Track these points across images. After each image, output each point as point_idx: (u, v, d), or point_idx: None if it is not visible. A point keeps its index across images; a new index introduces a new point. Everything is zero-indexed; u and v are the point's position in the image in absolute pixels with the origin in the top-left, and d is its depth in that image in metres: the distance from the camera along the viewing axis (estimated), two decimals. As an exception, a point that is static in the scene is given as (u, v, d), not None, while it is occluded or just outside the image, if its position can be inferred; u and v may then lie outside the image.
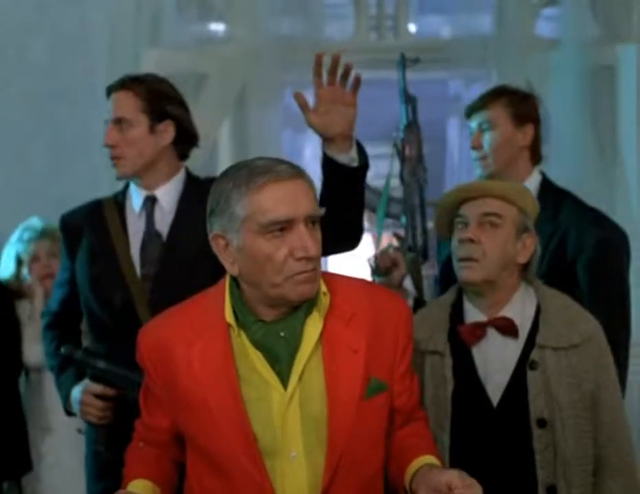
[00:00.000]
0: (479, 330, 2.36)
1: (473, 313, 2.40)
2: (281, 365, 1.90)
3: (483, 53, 4.37)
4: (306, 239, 1.84)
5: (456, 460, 2.29)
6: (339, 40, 4.54)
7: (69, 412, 2.76)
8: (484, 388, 2.34)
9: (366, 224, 2.59)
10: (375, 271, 2.89)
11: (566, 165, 4.28)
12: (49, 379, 3.37)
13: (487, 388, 2.34)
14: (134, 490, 1.96)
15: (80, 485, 3.29)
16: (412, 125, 2.90)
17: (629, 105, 4.30)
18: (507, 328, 2.35)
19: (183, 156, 2.76)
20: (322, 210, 1.92)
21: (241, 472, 1.89)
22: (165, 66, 4.02)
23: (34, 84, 4.10)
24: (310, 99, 2.40)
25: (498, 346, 2.36)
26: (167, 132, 2.68)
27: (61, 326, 2.83)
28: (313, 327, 1.91)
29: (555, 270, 2.55)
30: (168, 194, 2.71)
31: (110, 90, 2.70)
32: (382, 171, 2.97)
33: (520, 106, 2.96)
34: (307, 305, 1.91)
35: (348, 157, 2.39)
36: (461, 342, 2.38)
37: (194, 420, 1.94)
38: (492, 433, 2.32)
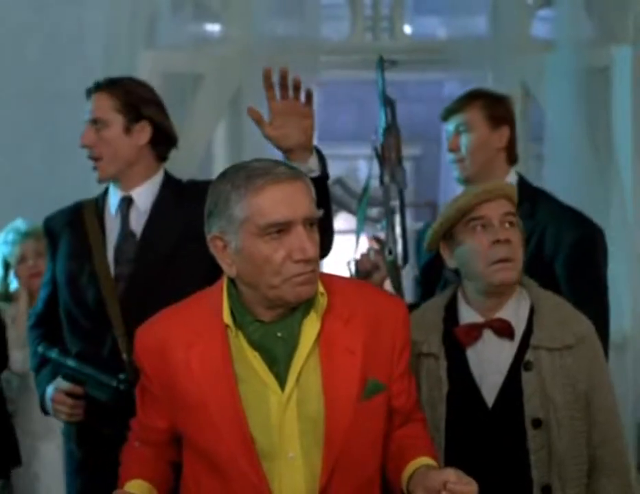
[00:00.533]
0: (475, 331, 2.36)
1: (469, 315, 2.40)
2: (279, 366, 1.90)
3: (479, 54, 4.37)
4: (304, 240, 1.84)
5: (452, 461, 2.27)
6: (335, 41, 4.55)
7: (45, 411, 2.78)
8: (479, 389, 2.34)
9: (347, 227, 2.60)
10: (356, 274, 2.90)
11: (561, 166, 4.29)
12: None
13: (481, 389, 2.34)
14: (131, 490, 1.96)
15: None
16: (391, 128, 2.89)
17: (624, 106, 4.31)
18: (504, 330, 2.36)
19: (162, 157, 2.78)
20: (320, 212, 1.92)
21: (238, 473, 1.90)
22: (161, 66, 4.04)
23: (31, 84, 4.10)
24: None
25: (494, 347, 2.36)
26: (144, 132, 2.71)
27: (44, 325, 2.84)
28: (311, 328, 1.92)
29: (533, 269, 2.56)
30: (144, 195, 2.73)
31: (89, 93, 2.74)
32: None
33: (496, 108, 2.98)
34: (304, 306, 1.91)
35: (306, 167, 2.39)
36: (456, 344, 2.38)
37: (192, 421, 1.94)
38: (486, 434, 2.33)
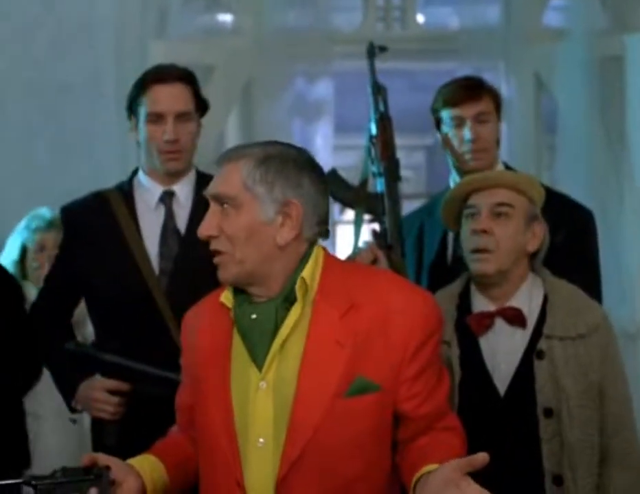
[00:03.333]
0: (487, 320, 2.36)
1: (481, 303, 2.40)
2: (256, 348, 1.89)
3: (491, 43, 4.36)
4: (205, 218, 1.92)
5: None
6: (346, 31, 4.54)
7: (74, 409, 2.74)
8: (491, 378, 2.34)
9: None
10: None
11: (574, 156, 4.28)
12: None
13: (493, 378, 2.34)
14: (131, 461, 1.94)
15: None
16: (383, 118, 2.77)
17: (637, 95, 4.29)
18: (516, 318, 2.35)
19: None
20: (234, 195, 1.88)
21: (219, 455, 1.90)
22: (172, 58, 4.00)
23: (40, 77, 4.08)
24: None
25: (506, 336, 2.36)
26: (200, 124, 2.72)
27: (54, 320, 2.80)
28: (293, 313, 1.88)
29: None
30: (185, 189, 2.73)
31: (159, 80, 2.65)
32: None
33: (500, 99, 2.97)
34: (286, 291, 1.88)
35: None
36: (469, 332, 2.38)
37: (197, 401, 1.97)
38: (498, 423, 2.33)
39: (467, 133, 2.89)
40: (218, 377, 1.92)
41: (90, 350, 2.63)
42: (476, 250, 2.33)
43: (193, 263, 2.59)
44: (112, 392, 2.59)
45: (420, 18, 4.79)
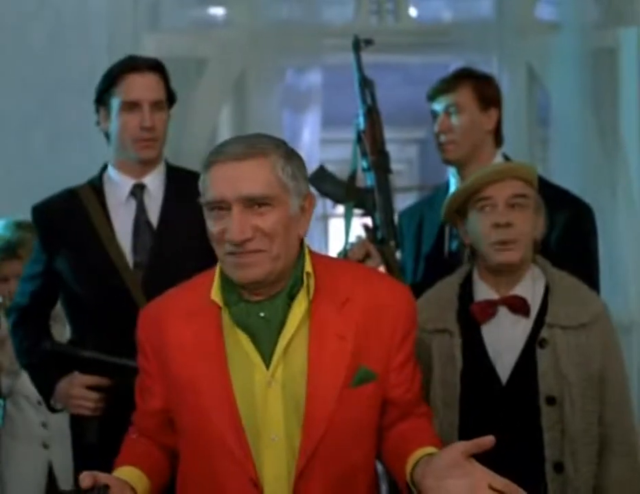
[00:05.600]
0: (491, 308, 2.39)
1: (484, 292, 2.42)
2: (265, 346, 1.90)
3: (484, 36, 4.34)
4: (235, 222, 1.84)
5: (466, 439, 2.30)
6: (339, 24, 4.53)
7: (53, 409, 2.73)
8: (493, 366, 2.36)
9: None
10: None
11: (567, 149, 4.28)
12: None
13: (496, 366, 2.36)
14: (121, 475, 1.93)
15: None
16: (372, 111, 2.78)
17: (630, 88, 4.29)
18: (520, 306, 2.38)
19: None
20: (272, 193, 1.86)
21: (225, 453, 1.90)
22: (164, 50, 4.01)
23: (34, 71, 4.07)
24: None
25: (509, 324, 2.38)
26: (169, 115, 2.72)
27: (31, 321, 2.78)
28: (297, 308, 1.91)
29: None
30: (155, 182, 2.73)
31: (132, 69, 2.67)
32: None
33: (485, 89, 2.96)
34: (289, 286, 1.91)
35: None
36: (471, 321, 2.40)
37: (183, 401, 1.94)
38: (500, 411, 2.35)
39: (435, 126, 2.93)
40: (213, 376, 1.90)
41: (67, 348, 2.63)
42: (501, 242, 2.34)
43: (168, 256, 2.62)
44: (92, 388, 2.59)
45: (413, 11, 4.77)
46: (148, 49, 3.95)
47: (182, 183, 2.68)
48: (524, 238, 2.37)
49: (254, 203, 1.84)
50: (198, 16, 4.50)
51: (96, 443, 2.61)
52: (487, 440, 1.75)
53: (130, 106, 2.65)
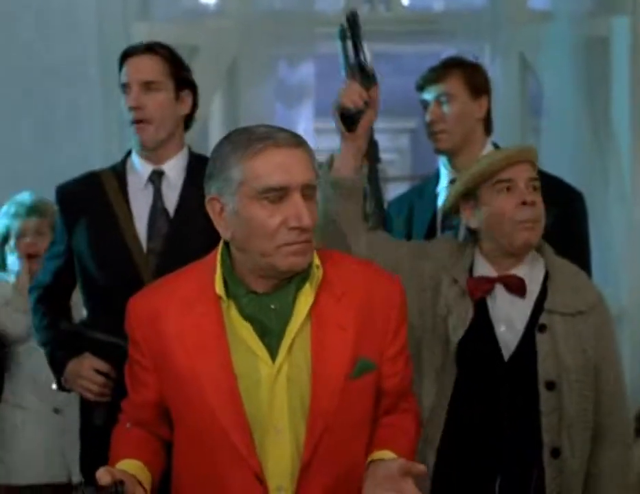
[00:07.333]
0: (487, 285, 2.40)
1: (483, 269, 2.43)
2: (271, 338, 1.88)
3: (476, 25, 4.33)
4: (301, 208, 1.82)
5: (460, 411, 2.37)
6: (331, 13, 4.51)
7: (63, 388, 2.74)
8: (496, 338, 2.38)
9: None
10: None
11: (559, 139, 4.27)
12: (25, 356, 3.36)
13: (499, 342, 2.38)
14: (127, 469, 1.91)
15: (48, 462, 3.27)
16: None
17: (622, 77, 4.28)
18: (517, 286, 2.40)
19: (188, 126, 2.76)
20: (316, 183, 1.91)
21: (229, 449, 1.88)
22: (155, 39, 3.98)
23: (23, 60, 4.04)
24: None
25: (506, 303, 2.40)
26: (186, 101, 2.71)
27: (52, 299, 2.81)
28: (304, 300, 1.90)
29: None
30: (175, 169, 2.71)
31: (128, 55, 2.67)
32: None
33: (475, 77, 2.97)
34: (299, 278, 1.90)
35: None
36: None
37: (182, 394, 1.92)
38: (500, 389, 2.36)
39: (427, 116, 2.92)
40: (215, 370, 1.88)
41: (80, 328, 2.64)
42: (529, 221, 2.37)
43: (182, 243, 2.59)
44: (100, 373, 2.59)
45: (405, 0, 4.77)
46: (139, 37, 3.91)
47: (203, 171, 2.66)
48: (542, 220, 2.41)
49: (307, 191, 1.85)
50: (189, 5, 4.49)
51: (103, 426, 2.58)
52: (419, 469, 1.81)
53: (124, 88, 2.66)
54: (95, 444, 2.61)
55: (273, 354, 1.88)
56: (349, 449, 1.92)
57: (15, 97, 4.04)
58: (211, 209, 1.90)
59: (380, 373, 1.96)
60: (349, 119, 2.46)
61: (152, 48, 2.67)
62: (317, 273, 1.92)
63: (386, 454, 1.92)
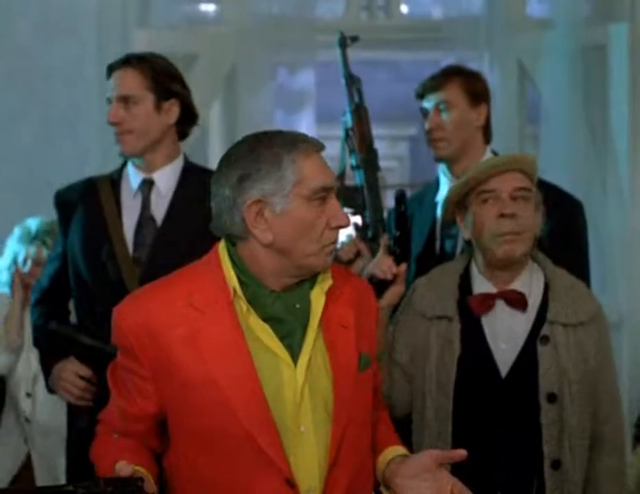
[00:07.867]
0: (489, 301, 2.39)
1: (482, 285, 2.42)
2: (293, 338, 1.88)
3: (475, 33, 4.34)
4: (339, 208, 1.88)
5: (460, 430, 2.35)
6: (330, 20, 4.53)
7: (51, 389, 2.77)
8: (493, 356, 2.37)
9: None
10: (335, 261, 2.81)
11: (557, 146, 4.28)
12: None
13: (495, 358, 2.37)
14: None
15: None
16: (359, 109, 2.75)
17: (620, 84, 4.29)
18: (518, 301, 2.39)
19: (184, 135, 2.76)
20: None
21: (254, 452, 1.84)
22: (154, 46, 3.99)
23: (22, 64, 4.06)
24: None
25: (507, 318, 2.39)
26: (172, 111, 2.69)
27: (50, 302, 2.84)
28: (318, 300, 1.92)
29: None
30: (166, 178, 2.71)
31: (112, 69, 2.69)
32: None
33: (474, 85, 2.98)
34: (312, 278, 1.92)
35: None
36: (470, 312, 2.41)
37: (192, 402, 1.86)
38: (498, 405, 2.36)
39: (426, 123, 2.94)
40: (235, 376, 1.84)
41: (69, 331, 2.65)
42: (506, 233, 2.34)
43: (168, 253, 2.58)
44: (83, 378, 2.63)
45: (403, 8, 4.77)
46: (138, 44, 3.93)
47: (195, 182, 2.66)
48: (527, 231, 2.37)
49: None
50: (188, 12, 4.50)
51: (86, 429, 2.59)
52: (459, 453, 1.87)
53: (108, 102, 2.69)
54: (82, 448, 2.63)
55: (294, 354, 1.88)
56: (362, 443, 1.96)
57: (15, 100, 4.06)
58: (247, 213, 1.84)
59: (374, 369, 2.01)
60: (376, 286, 2.45)
61: (129, 61, 2.68)
62: (328, 274, 1.94)
63: (400, 450, 2.00)
